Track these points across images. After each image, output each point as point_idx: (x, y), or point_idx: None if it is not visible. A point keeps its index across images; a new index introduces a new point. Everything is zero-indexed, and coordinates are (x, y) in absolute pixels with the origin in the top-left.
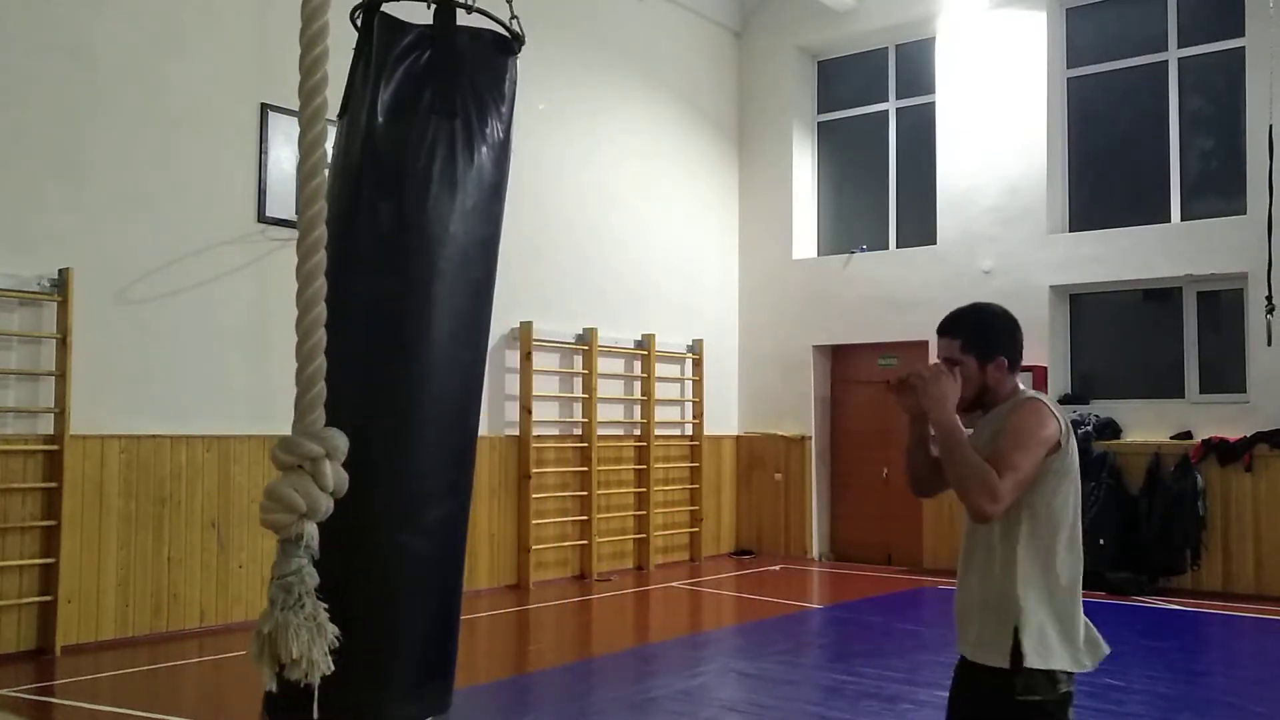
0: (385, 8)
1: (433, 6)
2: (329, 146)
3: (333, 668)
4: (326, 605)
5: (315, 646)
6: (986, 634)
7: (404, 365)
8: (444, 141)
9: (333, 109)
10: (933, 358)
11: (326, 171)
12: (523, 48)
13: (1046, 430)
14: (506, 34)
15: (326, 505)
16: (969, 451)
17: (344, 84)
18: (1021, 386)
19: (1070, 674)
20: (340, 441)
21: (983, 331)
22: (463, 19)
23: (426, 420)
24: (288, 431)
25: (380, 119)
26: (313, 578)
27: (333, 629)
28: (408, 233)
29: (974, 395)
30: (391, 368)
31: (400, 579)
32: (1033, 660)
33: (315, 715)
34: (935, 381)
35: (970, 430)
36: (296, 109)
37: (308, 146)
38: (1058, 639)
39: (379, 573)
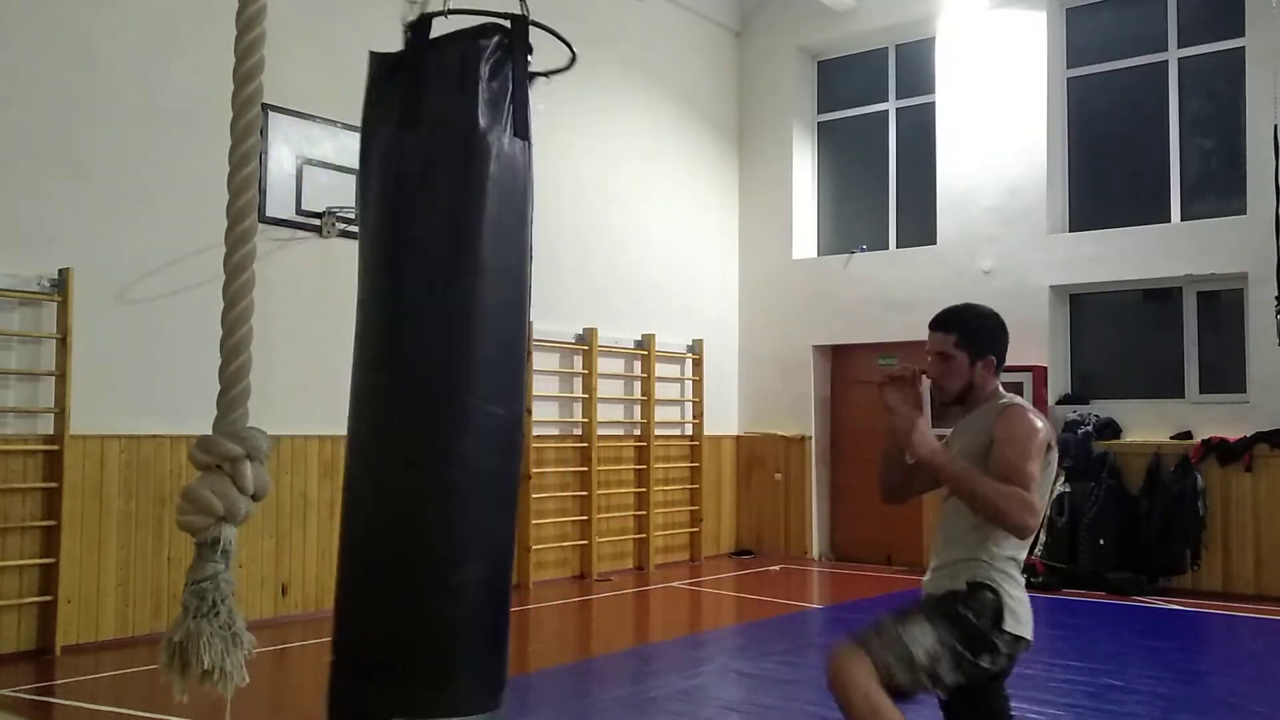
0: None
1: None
2: (258, 135)
3: (247, 679)
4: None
5: (229, 656)
6: (952, 579)
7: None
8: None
9: (316, 103)
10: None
11: (257, 160)
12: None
13: (1040, 436)
14: (495, 22)
15: (246, 508)
16: (985, 480)
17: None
18: (1000, 388)
19: (1011, 641)
20: (262, 442)
21: (977, 330)
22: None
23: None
24: (287, 431)
25: (480, 126)
26: (229, 584)
27: (249, 638)
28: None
29: (960, 390)
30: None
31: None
32: (1006, 620)
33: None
34: (909, 433)
35: (949, 431)
36: (296, 109)
37: (239, 134)
38: (1018, 608)
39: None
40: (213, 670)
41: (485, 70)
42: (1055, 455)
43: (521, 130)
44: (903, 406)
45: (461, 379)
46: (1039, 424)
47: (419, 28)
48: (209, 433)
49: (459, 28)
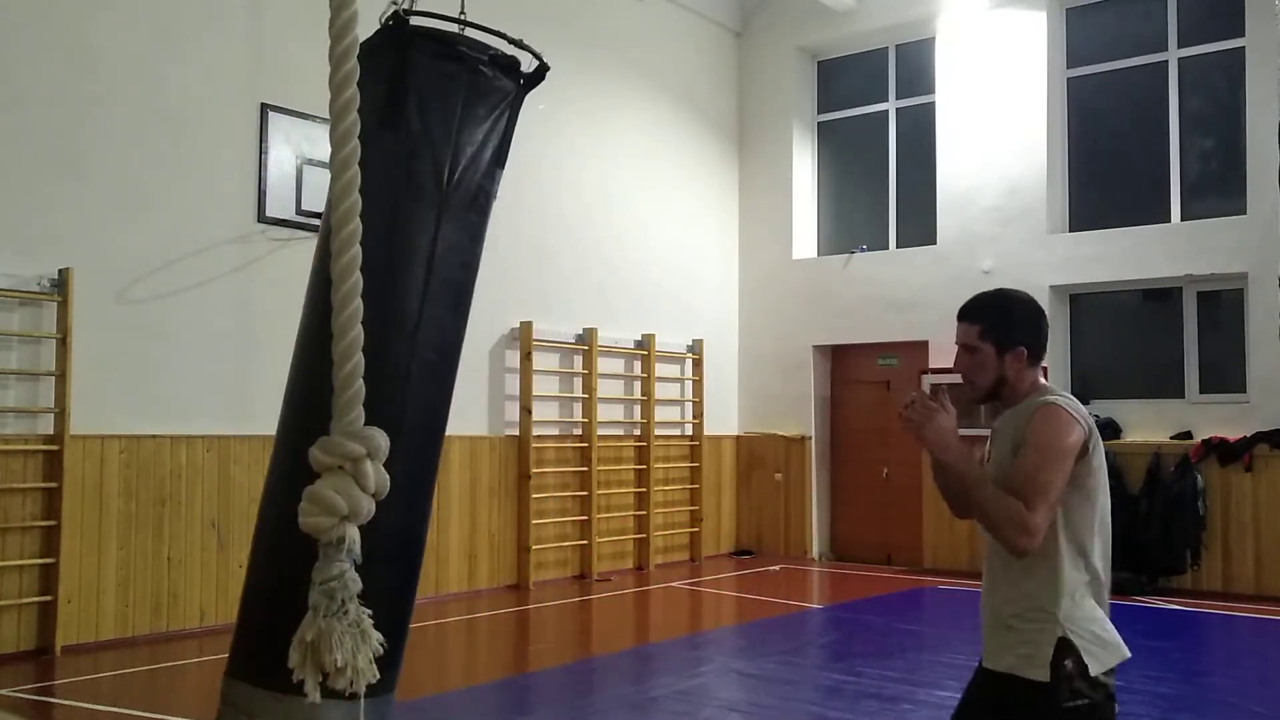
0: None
1: (462, 28)
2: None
3: (379, 675)
4: (370, 611)
5: (360, 654)
6: (1021, 644)
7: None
8: (391, 156)
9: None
10: (934, 357)
11: (355, 169)
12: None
13: (1070, 438)
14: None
15: (368, 507)
16: (989, 491)
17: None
18: (1043, 382)
19: (1109, 674)
20: (381, 441)
21: (1004, 318)
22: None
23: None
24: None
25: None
26: (355, 583)
27: (377, 635)
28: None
29: (990, 385)
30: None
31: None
32: (1093, 667)
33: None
34: (927, 424)
35: (989, 431)
36: (296, 109)
37: (339, 139)
38: (1104, 637)
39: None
40: (345, 668)
41: (466, 89)
42: (1099, 456)
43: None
44: (930, 405)
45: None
46: (1071, 427)
47: (396, 22)
48: (218, 432)
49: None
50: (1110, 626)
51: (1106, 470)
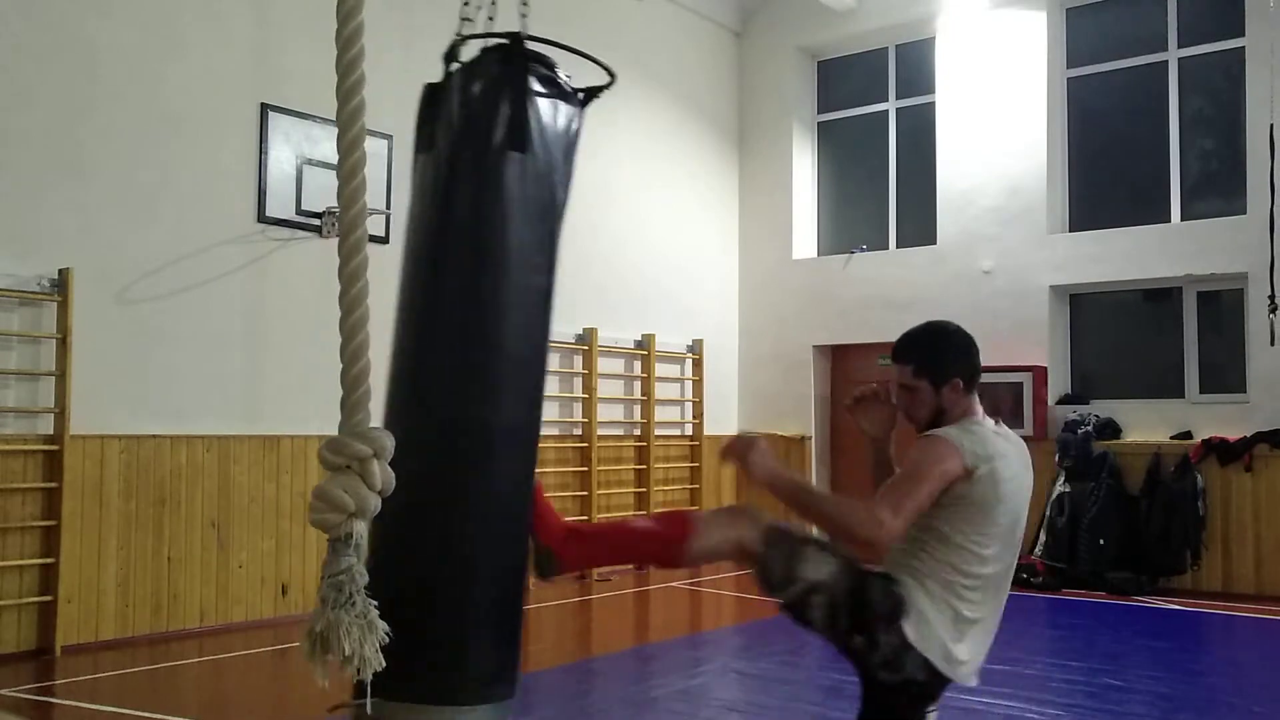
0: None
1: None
2: (366, 147)
3: (384, 664)
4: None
5: (367, 643)
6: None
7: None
8: (513, 173)
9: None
10: None
11: (365, 171)
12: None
13: (944, 464)
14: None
15: (375, 504)
16: (820, 497)
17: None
18: (976, 408)
19: (900, 648)
20: (387, 441)
21: (936, 356)
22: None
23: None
24: (287, 431)
25: (457, 154)
26: (362, 576)
27: (383, 625)
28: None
29: (929, 417)
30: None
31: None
32: (911, 634)
33: (369, 709)
34: (748, 456)
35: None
36: (296, 109)
37: (347, 146)
38: (933, 625)
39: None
40: (353, 656)
41: (479, 92)
42: (987, 484)
43: (518, 145)
44: (747, 436)
45: (478, 390)
46: (950, 454)
47: (449, 57)
48: (208, 432)
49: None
50: (948, 643)
51: (1010, 502)
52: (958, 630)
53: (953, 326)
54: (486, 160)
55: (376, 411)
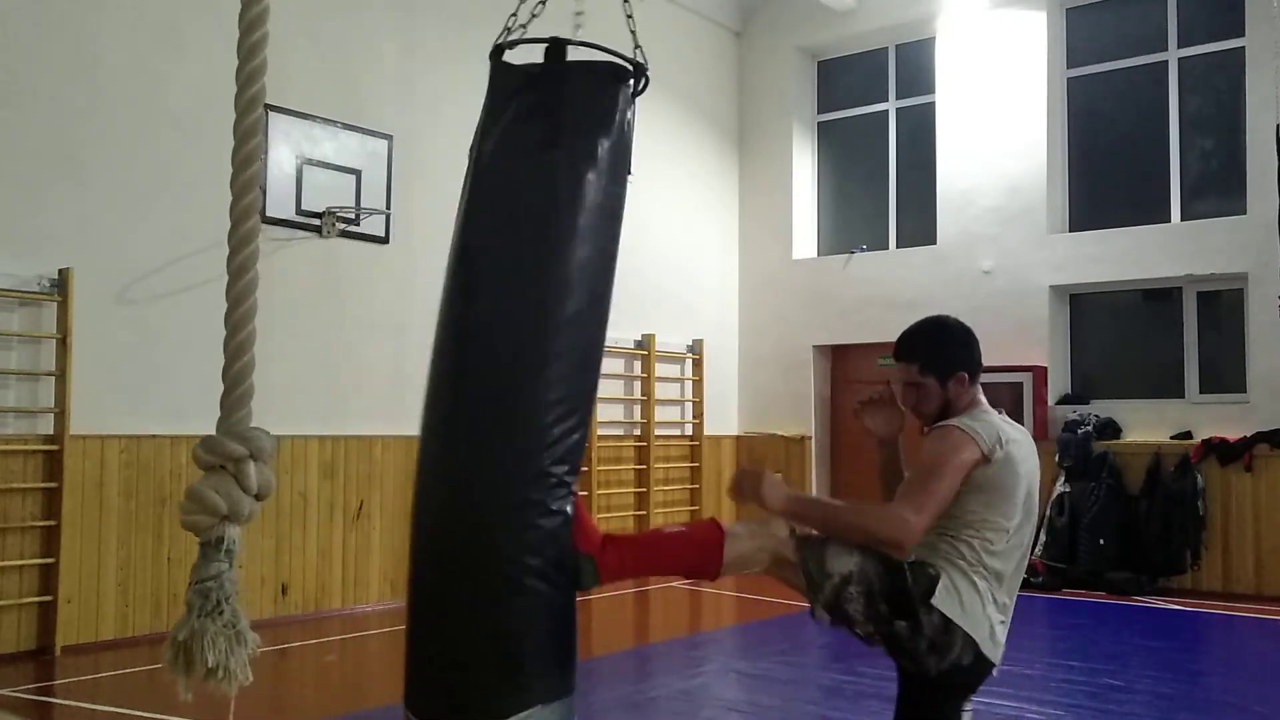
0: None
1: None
2: (261, 135)
3: (251, 678)
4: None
5: (234, 656)
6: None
7: (514, 394)
8: (550, 175)
9: (316, 103)
10: None
11: (259, 161)
12: (644, 77)
13: (961, 455)
14: (625, 64)
15: (250, 508)
16: (840, 509)
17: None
18: (980, 399)
19: (942, 626)
20: (266, 442)
21: (939, 352)
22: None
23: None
24: (287, 431)
25: (491, 156)
26: (232, 583)
27: (253, 637)
28: (519, 261)
29: (936, 412)
30: (502, 393)
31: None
32: (945, 604)
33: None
34: (761, 488)
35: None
36: (296, 109)
37: (242, 135)
38: (968, 600)
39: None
40: (217, 669)
41: (619, 112)
42: (1016, 467)
43: (625, 170)
44: (749, 471)
45: (530, 394)
46: (965, 443)
47: (554, 52)
48: (210, 432)
49: (590, 56)
50: (986, 622)
51: (1025, 483)
52: (997, 606)
53: (952, 320)
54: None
55: (367, 413)
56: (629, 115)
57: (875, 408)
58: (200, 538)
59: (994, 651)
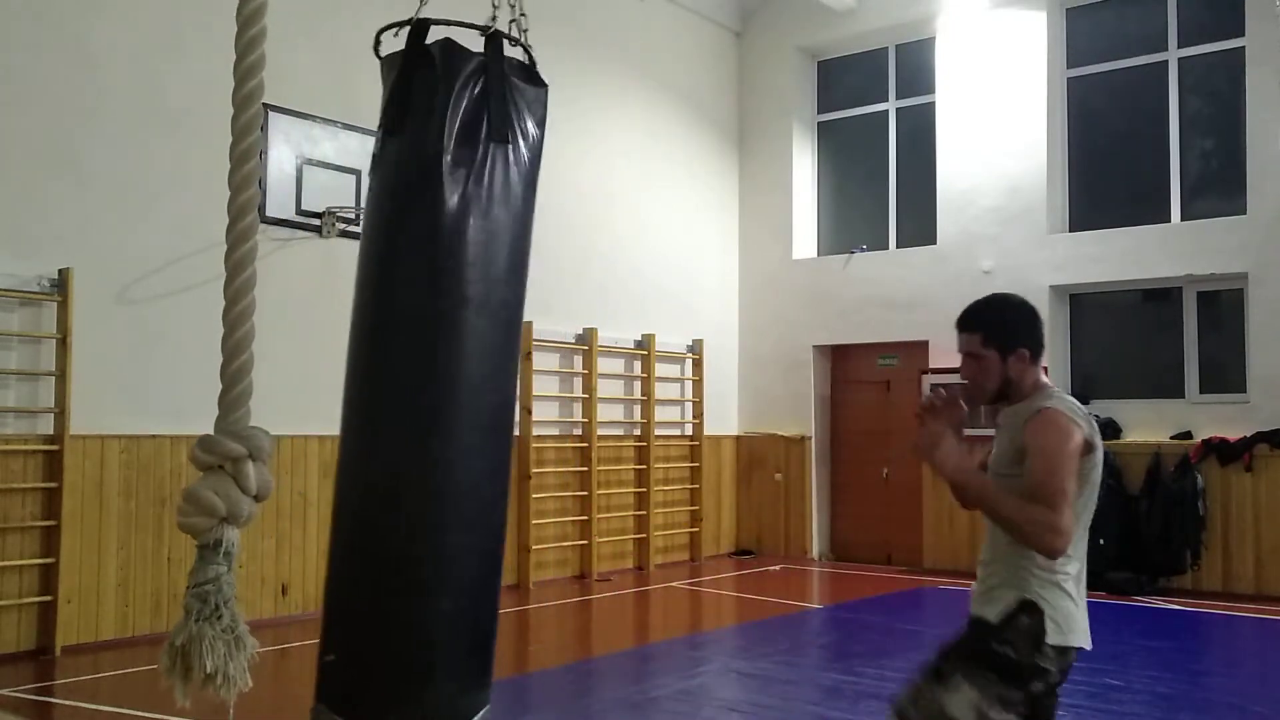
0: (433, 32)
1: (483, 34)
2: (259, 131)
3: (250, 683)
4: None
5: (232, 660)
6: (990, 602)
7: (435, 385)
8: (496, 167)
9: (313, 104)
10: (934, 357)
11: (257, 157)
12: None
13: (1073, 442)
14: (529, 62)
15: (248, 508)
16: (1007, 500)
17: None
18: (1044, 379)
19: (1057, 654)
20: (264, 441)
21: (1003, 325)
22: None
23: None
24: (287, 431)
25: (447, 143)
26: (231, 586)
27: (252, 641)
28: (450, 254)
29: (997, 388)
30: (422, 385)
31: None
32: (1051, 634)
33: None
34: (932, 452)
35: (992, 431)
36: (296, 109)
37: (240, 131)
38: (1072, 617)
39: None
40: (215, 674)
41: (460, 84)
42: (1099, 455)
43: (499, 137)
44: (935, 429)
45: (446, 395)
46: (1072, 430)
47: (416, 33)
48: (210, 432)
49: (444, 35)
50: (1080, 614)
51: (1102, 467)
52: (1080, 595)
53: (1018, 298)
54: (477, 156)
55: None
56: (477, 81)
57: (939, 410)
58: (198, 540)
59: (1086, 638)
